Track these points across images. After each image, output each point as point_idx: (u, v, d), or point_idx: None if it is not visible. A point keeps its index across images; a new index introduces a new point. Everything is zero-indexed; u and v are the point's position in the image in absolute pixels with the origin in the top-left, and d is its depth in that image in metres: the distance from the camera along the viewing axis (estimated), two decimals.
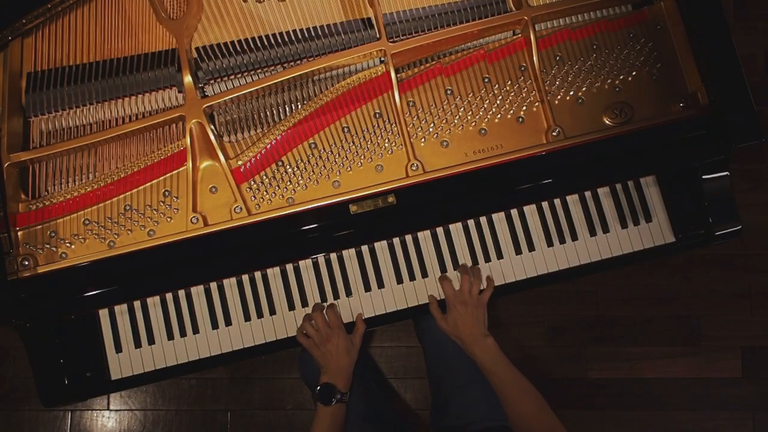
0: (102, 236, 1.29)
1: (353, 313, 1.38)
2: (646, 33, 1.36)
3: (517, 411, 1.22)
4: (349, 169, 1.31)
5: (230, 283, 1.38)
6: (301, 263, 1.38)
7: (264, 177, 1.31)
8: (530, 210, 1.40)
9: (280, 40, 1.34)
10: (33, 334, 1.30)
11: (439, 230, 1.39)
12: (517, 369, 1.27)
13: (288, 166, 1.31)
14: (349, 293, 1.38)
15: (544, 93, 1.32)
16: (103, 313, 1.36)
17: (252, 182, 1.31)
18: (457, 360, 1.45)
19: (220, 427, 2.02)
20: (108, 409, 2.03)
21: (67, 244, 1.28)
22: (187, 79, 1.28)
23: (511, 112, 1.33)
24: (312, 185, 1.31)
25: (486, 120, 1.33)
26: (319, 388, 1.30)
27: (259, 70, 1.33)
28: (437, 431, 1.47)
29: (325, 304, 1.37)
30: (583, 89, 1.34)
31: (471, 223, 1.40)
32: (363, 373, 1.53)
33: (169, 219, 1.29)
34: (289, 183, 1.31)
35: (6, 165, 1.26)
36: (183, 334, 1.36)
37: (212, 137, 1.28)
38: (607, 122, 1.32)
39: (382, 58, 1.34)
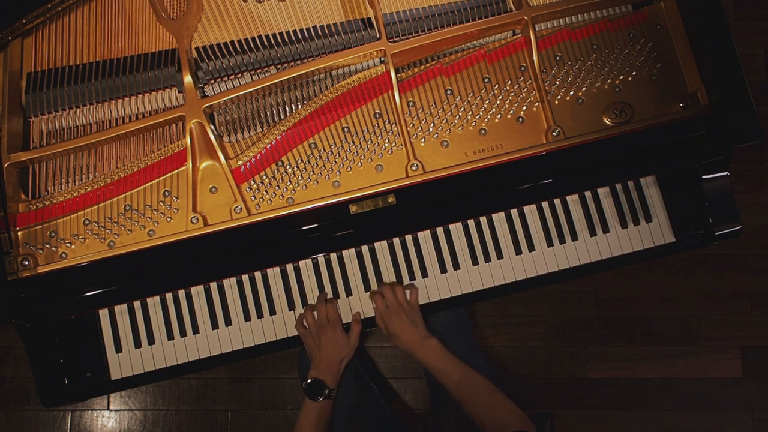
0: (102, 236, 1.29)
1: (353, 312, 1.38)
2: (646, 33, 1.36)
3: (473, 407, 1.22)
4: (349, 169, 1.31)
5: (230, 283, 1.38)
6: (301, 263, 1.38)
7: (264, 177, 1.31)
8: (530, 210, 1.40)
9: (280, 40, 1.34)
10: (33, 334, 1.30)
11: (439, 230, 1.39)
12: (465, 364, 1.27)
13: (288, 166, 1.31)
14: (348, 293, 1.38)
15: (544, 93, 1.32)
16: (103, 313, 1.36)
17: (252, 182, 1.31)
18: None
19: (220, 427, 2.02)
20: (108, 409, 2.03)
21: (67, 244, 1.28)
22: (187, 79, 1.28)
23: (511, 112, 1.33)
24: (312, 185, 1.31)
25: (486, 120, 1.33)
26: (307, 382, 1.30)
27: (259, 70, 1.33)
28: (436, 431, 1.47)
29: (327, 296, 1.37)
30: (583, 89, 1.34)
31: (471, 223, 1.40)
32: (362, 374, 1.53)
33: (169, 219, 1.29)
34: (289, 183, 1.31)
35: (6, 165, 1.26)
36: (183, 334, 1.36)
37: (212, 137, 1.28)
38: (607, 122, 1.33)
39: (382, 58, 1.34)
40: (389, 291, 1.32)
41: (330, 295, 1.38)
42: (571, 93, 1.34)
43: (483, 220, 1.40)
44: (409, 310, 1.31)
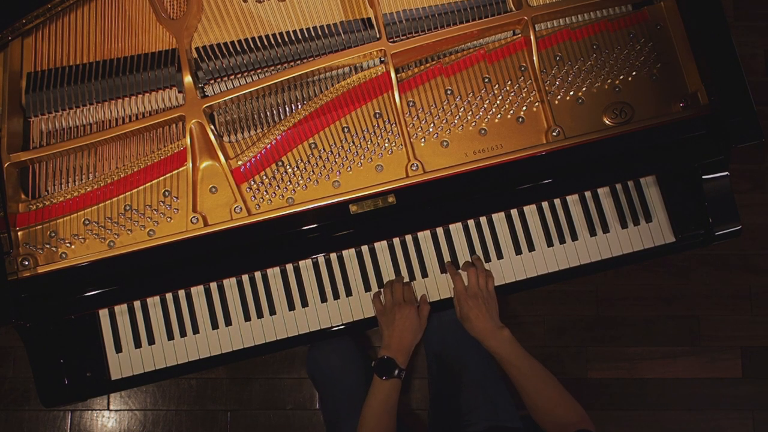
0: (102, 236, 1.29)
1: (353, 312, 1.38)
2: (646, 33, 1.36)
3: (537, 400, 1.22)
4: (349, 169, 1.31)
5: (230, 283, 1.38)
6: (301, 263, 1.38)
7: (264, 177, 1.31)
8: (530, 210, 1.40)
9: (280, 40, 1.34)
10: (33, 334, 1.30)
11: (439, 230, 1.39)
12: (533, 358, 1.27)
13: (288, 166, 1.31)
14: (349, 293, 1.38)
15: (544, 93, 1.32)
16: (103, 313, 1.36)
17: (252, 182, 1.31)
18: (457, 361, 1.45)
19: (220, 427, 2.02)
20: (108, 409, 2.03)
21: (67, 244, 1.28)
22: (187, 79, 1.28)
23: (511, 112, 1.33)
24: (312, 185, 1.31)
25: (486, 120, 1.33)
26: (377, 361, 1.28)
27: (259, 70, 1.33)
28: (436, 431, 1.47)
29: (404, 279, 1.37)
30: (583, 89, 1.34)
31: (471, 223, 1.39)
32: (362, 374, 1.53)
33: (169, 219, 1.29)
34: (289, 183, 1.31)
35: (6, 165, 1.26)
36: (183, 334, 1.36)
37: (212, 137, 1.28)
38: (607, 122, 1.32)
39: (382, 58, 1.34)
40: (474, 274, 1.31)
41: (330, 296, 1.37)
42: (571, 93, 1.34)
43: (483, 220, 1.40)
44: (487, 297, 1.30)
